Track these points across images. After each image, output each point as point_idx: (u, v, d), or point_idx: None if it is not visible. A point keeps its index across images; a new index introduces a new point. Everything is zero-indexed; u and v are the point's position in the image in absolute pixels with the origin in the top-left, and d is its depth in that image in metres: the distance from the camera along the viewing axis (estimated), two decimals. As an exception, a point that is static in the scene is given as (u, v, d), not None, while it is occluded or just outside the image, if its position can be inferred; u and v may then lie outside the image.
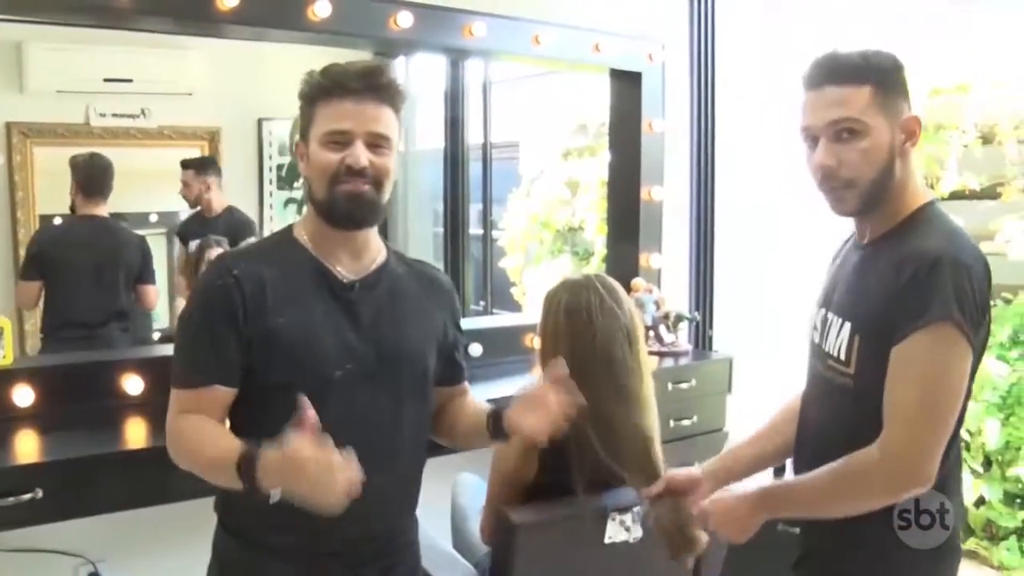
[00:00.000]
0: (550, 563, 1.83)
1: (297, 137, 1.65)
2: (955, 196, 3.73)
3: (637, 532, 1.83)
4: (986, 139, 3.67)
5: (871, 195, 1.56)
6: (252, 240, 3.64)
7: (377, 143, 1.58)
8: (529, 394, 1.63)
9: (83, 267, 3.53)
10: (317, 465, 1.34)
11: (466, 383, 1.88)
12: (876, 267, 1.57)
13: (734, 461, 1.84)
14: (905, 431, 1.46)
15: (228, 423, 1.62)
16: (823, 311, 1.69)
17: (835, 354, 1.60)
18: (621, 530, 1.80)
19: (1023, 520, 3.49)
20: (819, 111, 1.55)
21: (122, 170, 3.65)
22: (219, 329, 1.56)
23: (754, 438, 1.87)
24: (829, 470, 1.52)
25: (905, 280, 1.47)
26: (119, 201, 3.70)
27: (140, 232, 3.91)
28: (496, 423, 1.68)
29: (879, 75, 1.53)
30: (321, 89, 1.59)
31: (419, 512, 2.25)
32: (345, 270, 1.64)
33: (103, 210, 3.59)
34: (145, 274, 3.72)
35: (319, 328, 1.58)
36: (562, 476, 1.84)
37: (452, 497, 2.36)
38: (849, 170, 1.54)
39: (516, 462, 1.87)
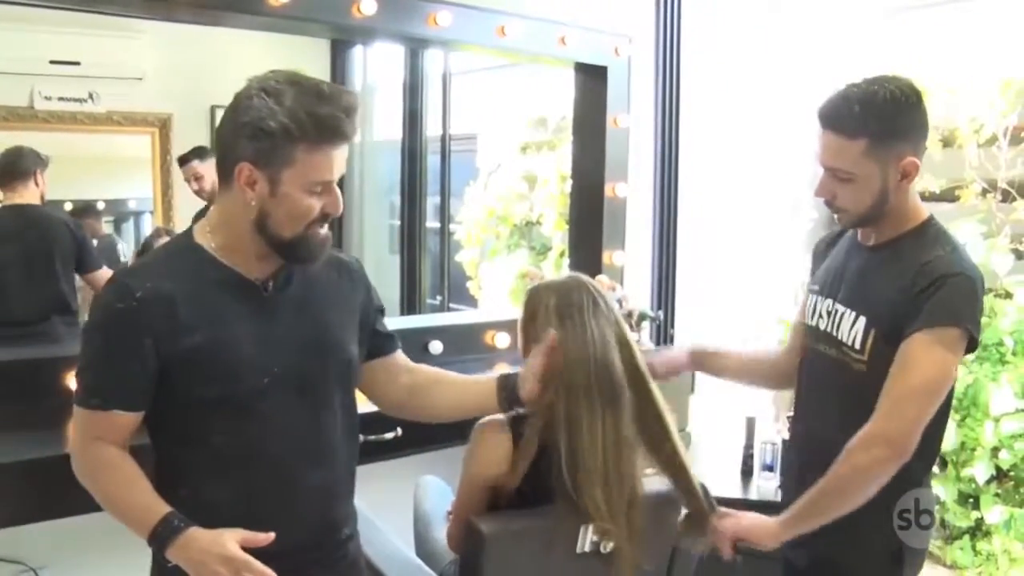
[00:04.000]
0: (520, 573, 1.78)
1: (243, 163, 1.46)
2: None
3: (610, 542, 1.77)
4: (946, 142, 3.69)
5: (863, 219, 1.80)
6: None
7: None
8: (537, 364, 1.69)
9: (10, 261, 3.34)
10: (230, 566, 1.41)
11: (400, 351, 1.83)
12: (888, 270, 1.77)
13: (725, 358, 2.17)
14: (894, 407, 1.66)
15: (154, 437, 1.58)
16: (829, 301, 1.87)
17: (850, 343, 1.79)
18: (594, 540, 1.74)
19: (976, 520, 3.53)
20: (822, 151, 1.76)
21: (68, 156, 3.53)
22: (121, 355, 1.47)
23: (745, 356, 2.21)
24: (832, 470, 1.69)
25: (921, 289, 1.67)
26: (65, 188, 3.56)
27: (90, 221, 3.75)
28: (510, 392, 1.73)
29: (877, 126, 1.68)
30: (306, 132, 1.44)
31: (380, 516, 2.20)
32: (255, 271, 1.56)
33: (28, 196, 3.39)
34: (86, 260, 3.51)
35: (239, 338, 1.51)
36: (546, 483, 1.73)
37: (415, 501, 2.29)
38: (842, 202, 1.77)
39: (504, 466, 1.75)
